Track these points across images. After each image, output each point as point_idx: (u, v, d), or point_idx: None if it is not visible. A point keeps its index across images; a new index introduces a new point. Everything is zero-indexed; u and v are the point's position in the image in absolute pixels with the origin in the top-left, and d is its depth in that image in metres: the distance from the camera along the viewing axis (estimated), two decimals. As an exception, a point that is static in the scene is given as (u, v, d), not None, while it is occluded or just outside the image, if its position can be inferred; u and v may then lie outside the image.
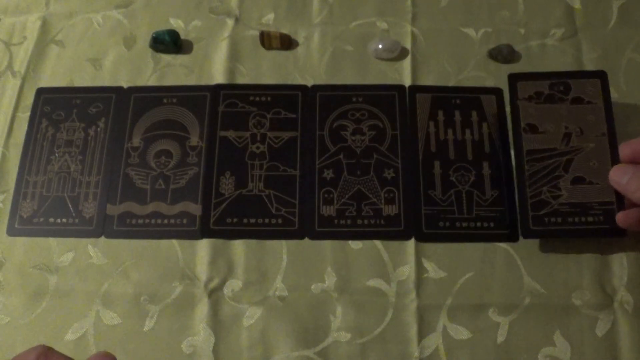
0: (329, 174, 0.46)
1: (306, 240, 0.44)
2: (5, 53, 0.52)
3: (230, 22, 0.52)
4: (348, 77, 0.49)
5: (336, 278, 0.43)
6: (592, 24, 0.51)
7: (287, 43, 0.51)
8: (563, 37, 0.50)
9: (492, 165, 0.45)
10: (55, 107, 0.49)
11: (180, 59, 0.51)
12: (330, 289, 0.43)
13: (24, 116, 0.49)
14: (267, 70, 0.50)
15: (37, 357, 0.31)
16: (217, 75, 0.50)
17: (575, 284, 0.42)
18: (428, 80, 0.49)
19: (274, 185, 0.45)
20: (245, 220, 0.44)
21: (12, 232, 0.45)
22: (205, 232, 0.44)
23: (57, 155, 0.47)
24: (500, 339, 0.41)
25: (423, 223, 0.44)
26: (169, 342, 0.41)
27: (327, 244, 0.44)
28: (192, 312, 0.42)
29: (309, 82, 0.49)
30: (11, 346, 0.41)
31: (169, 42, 0.50)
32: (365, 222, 0.44)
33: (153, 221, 0.45)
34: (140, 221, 0.45)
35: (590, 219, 0.42)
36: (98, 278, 0.43)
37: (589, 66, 0.49)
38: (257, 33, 0.51)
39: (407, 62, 0.50)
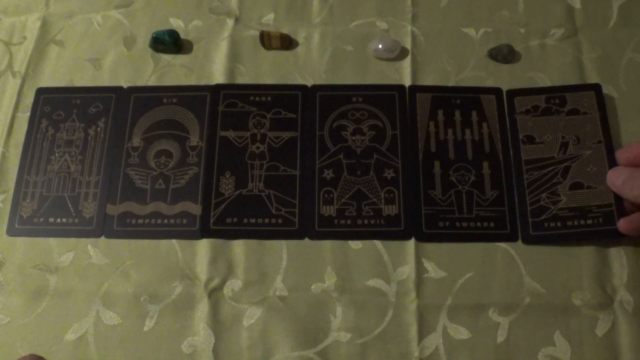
0: (329, 174, 0.46)
1: (306, 240, 0.44)
2: (5, 53, 0.52)
3: (230, 22, 0.52)
4: (348, 77, 0.49)
5: (336, 278, 0.43)
6: (592, 24, 0.51)
7: (287, 43, 0.51)
8: (563, 37, 0.50)
9: (492, 165, 0.45)
10: (55, 107, 0.49)
11: (180, 59, 0.51)
12: (330, 289, 0.43)
13: (24, 116, 0.49)
14: (267, 70, 0.50)
15: None
16: (217, 75, 0.50)
17: (575, 284, 0.42)
18: (428, 80, 0.49)
19: (274, 185, 0.45)
20: (245, 220, 0.44)
21: (12, 232, 0.45)
22: (205, 232, 0.44)
23: (57, 155, 0.47)
24: (500, 339, 0.41)
25: (423, 223, 0.44)
26: (169, 342, 0.41)
27: (327, 244, 0.44)
28: (192, 312, 0.42)
29: (309, 82, 0.49)
30: (11, 346, 0.42)
31: (169, 42, 0.50)
32: (365, 222, 0.44)
33: (153, 221, 0.45)
34: (140, 221, 0.45)
35: (589, 221, 0.43)
36: (98, 278, 0.43)
37: (589, 66, 0.49)
38: (257, 33, 0.51)
39: (407, 62, 0.50)
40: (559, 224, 0.43)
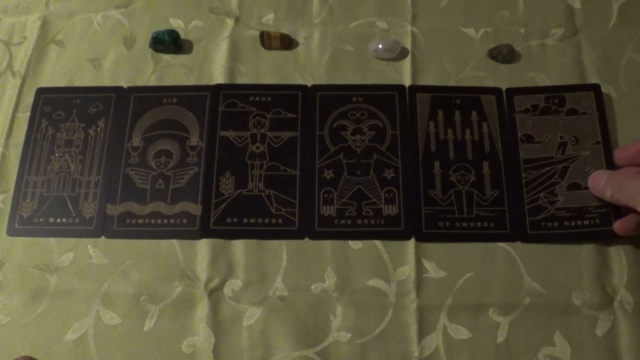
0: (329, 174, 0.46)
1: (306, 240, 0.44)
2: (5, 53, 0.52)
3: (230, 22, 0.52)
4: (348, 77, 0.49)
5: (336, 278, 0.43)
6: (592, 24, 0.51)
7: (287, 43, 0.51)
8: (563, 37, 0.50)
9: (492, 165, 0.46)
10: (55, 107, 0.49)
11: (180, 59, 0.51)
12: (330, 289, 0.43)
13: (24, 116, 0.49)
14: (267, 70, 0.50)
15: None
16: (217, 75, 0.50)
17: (575, 284, 0.42)
18: (428, 80, 0.49)
19: (274, 185, 0.45)
20: (245, 220, 0.44)
21: (12, 232, 0.45)
22: (205, 232, 0.44)
23: (57, 155, 0.47)
24: (500, 339, 0.41)
25: (423, 223, 0.44)
26: (169, 342, 0.41)
27: (327, 244, 0.44)
28: (192, 312, 0.42)
29: (309, 82, 0.49)
30: (11, 346, 0.42)
31: (169, 42, 0.50)
32: (365, 222, 0.44)
33: (153, 221, 0.45)
34: (140, 221, 0.45)
35: (586, 222, 0.43)
36: (98, 278, 0.43)
37: (589, 66, 0.49)
38: (257, 33, 0.51)
39: (407, 62, 0.50)
40: (556, 223, 0.43)
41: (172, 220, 0.45)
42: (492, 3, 0.52)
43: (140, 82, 0.50)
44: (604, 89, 0.48)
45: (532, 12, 0.52)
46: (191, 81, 0.50)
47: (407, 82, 0.49)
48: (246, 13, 0.53)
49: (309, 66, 0.50)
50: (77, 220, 0.45)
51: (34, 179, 0.46)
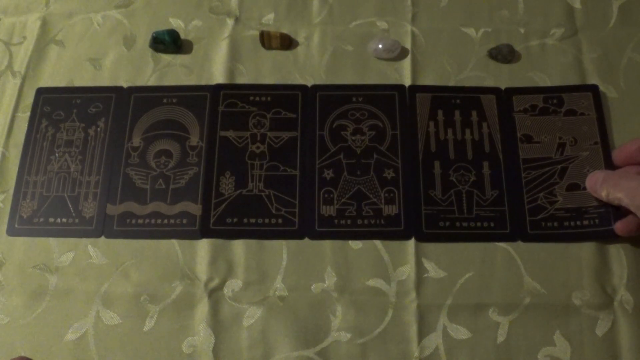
0: (329, 174, 0.46)
1: (306, 240, 0.44)
2: (5, 53, 0.52)
3: (230, 22, 0.52)
4: (348, 77, 0.49)
5: (336, 278, 0.43)
6: (592, 24, 0.51)
7: (287, 43, 0.51)
8: (563, 36, 0.50)
9: (492, 165, 0.46)
10: (55, 107, 0.49)
11: (180, 59, 0.51)
12: (330, 289, 0.43)
13: (24, 116, 0.49)
14: (267, 70, 0.50)
15: None
16: (217, 75, 0.50)
17: (575, 284, 0.42)
18: (428, 80, 0.49)
19: (274, 185, 0.45)
20: (245, 220, 0.44)
21: (12, 232, 0.45)
22: (205, 232, 0.44)
23: (57, 155, 0.47)
24: (500, 338, 0.41)
25: (423, 223, 0.44)
26: (169, 342, 0.41)
27: (327, 244, 0.44)
28: (192, 312, 0.42)
29: (309, 82, 0.49)
30: (11, 346, 0.42)
31: (169, 42, 0.50)
32: (365, 222, 0.44)
33: (153, 221, 0.45)
34: (140, 221, 0.45)
35: (585, 222, 0.43)
36: (98, 278, 0.43)
37: (589, 66, 0.49)
38: (257, 33, 0.51)
39: (407, 62, 0.50)
40: (555, 223, 0.43)
41: (172, 220, 0.45)
42: (492, 3, 0.52)
43: (140, 82, 0.50)
44: (604, 89, 0.48)
45: (532, 12, 0.52)
46: (191, 81, 0.50)
47: (407, 82, 0.49)
48: (246, 13, 0.53)
49: (309, 66, 0.50)
50: (77, 220, 0.45)
51: (34, 179, 0.46)
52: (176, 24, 0.52)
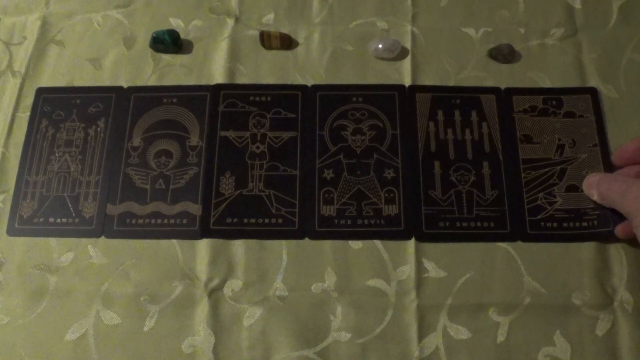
0: (329, 174, 0.46)
1: (306, 240, 0.44)
2: (5, 53, 0.52)
3: (230, 22, 0.52)
4: (348, 77, 0.49)
5: (336, 278, 0.43)
6: (592, 24, 0.51)
7: (287, 43, 0.51)
8: (563, 36, 0.50)
9: (492, 165, 0.46)
10: (55, 107, 0.49)
11: (180, 59, 0.51)
12: (330, 289, 0.43)
13: (24, 116, 0.49)
14: (267, 70, 0.50)
15: None
16: (217, 75, 0.50)
17: (575, 284, 0.42)
18: (428, 80, 0.49)
19: (274, 185, 0.45)
20: (245, 220, 0.44)
21: (12, 232, 0.45)
22: (205, 232, 0.44)
23: (57, 155, 0.47)
24: (500, 338, 0.41)
25: (423, 223, 0.44)
26: (169, 342, 0.41)
27: (327, 244, 0.44)
28: (192, 312, 0.42)
29: (309, 82, 0.49)
30: (11, 346, 0.42)
31: (169, 42, 0.50)
32: (366, 222, 0.44)
33: (153, 221, 0.45)
34: (140, 221, 0.45)
35: (585, 223, 0.43)
36: (98, 278, 0.43)
37: (589, 66, 0.49)
38: (257, 33, 0.51)
39: (407, 62, 0.50)
40: (555, 224, 0.43)
41: (172, 220, 0.45)
42: (492, 3, 0.52)
43: (140, 82, 0.50)
44: (604, 89, 0.48)
45: (532, 12, 0.52)
46: (191, 81, 0.50)
47: (407, 82, 0.49)
48: (246, 13, 0.53)
49: (309, 66, 0.50)
50: (77, 220, 0.45)
51: (34, 179, 0.46)
52: (176, 24, 0.52)
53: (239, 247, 0.44)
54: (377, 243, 0.44)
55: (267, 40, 0.50)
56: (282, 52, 0.51)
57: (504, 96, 0.48)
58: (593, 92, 0.47)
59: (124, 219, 0.45)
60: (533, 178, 0.45)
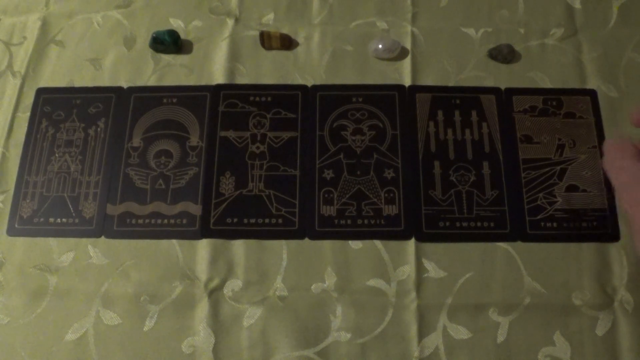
0: (329, 174, 0.46)
1: (306, 240, 0.44)
2: (5, 53, 0.52)
3: (230, 22, 0.52)
4: (348, 77, 0.49)
5: (336, 278, 0.43)
6: (592, 24, 0.51)
7: (287, 43, 0.51)
8: (563, 36, 0.50)
9: (492, 165, 0.46)
10: (55, 107, 0.49)
11: (180, 59, 0.51)
12: (330, 289, 0.43)
13: (24, 116, 0.49)
14: (267, 70, 0.50)
15: None
16: (217, 75, 0.50)
17: (575, 284, 0.42)
18: (428, 80, 0.49)
19: (274, 185, 0.45)
20: (245, 220, 0.44)
21: (12, 232, 0.45)
22: (205, 232, 0.44)
23: (57, 155, 0.47)
24: (500, 338, 0.41)
25: (423, 223, 0.44)
26: (169, 342, 0.41)
27: (327, 244, 0.44)
28: (192, 312, 0.42)
29: (309, 82, 0.49)
30: (11, 346, 0.42)
31: (169, 42, 0.50)
32: (366, 222, 0.44)
33: (153, 221, 0.45)
34: (140, 221, 0.45)
35: (584, 224, 0.43)
36: (98, 278, 0.43)
37: (589, 66, 0.49)
38: (257, 33, 0.51)
39: (407, 62, 0.50)
40: (555, 224, 0.43)
41: (172, 220, 0.45)
42: (492, 3, 0.52)
43: (140, 82, 0.50)
44: (604, 89, 0.48)
45: (532, 12, 0.52)
46: (191, 81, 0.50)
47: (407, 82, 0.49)
48: (246, 13, 0.53)
49: (309, 66, 0.50)
50: (77, 220, 0.45)
51: (34, 179, 0.46)
52: (176, 24, 0.52)
53: (239, 247, 0.44)
54: (377, 243, 0.44)
55: (267, 40, 0.50)
56: (282, 52, 0.51)
57: (504, 96, 0.48)
58: (593, 95, 0.48)
59: (124, 219, 0.45)
60: (533, 178, 0.45)
